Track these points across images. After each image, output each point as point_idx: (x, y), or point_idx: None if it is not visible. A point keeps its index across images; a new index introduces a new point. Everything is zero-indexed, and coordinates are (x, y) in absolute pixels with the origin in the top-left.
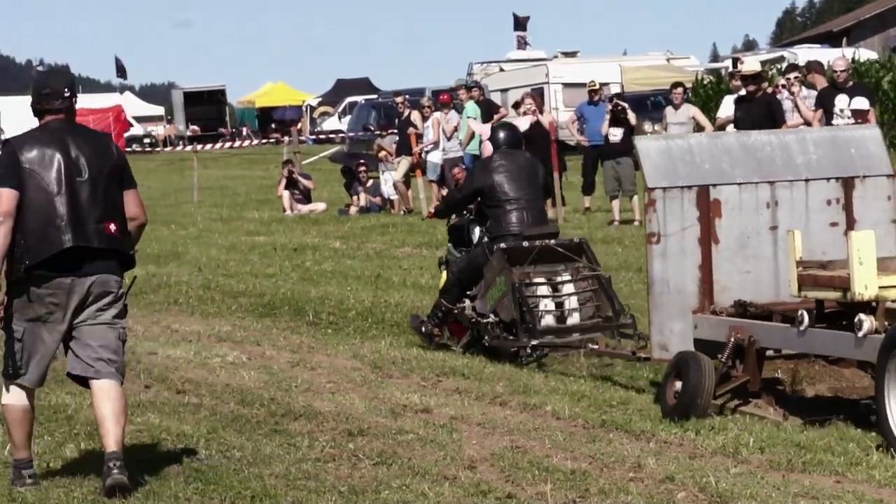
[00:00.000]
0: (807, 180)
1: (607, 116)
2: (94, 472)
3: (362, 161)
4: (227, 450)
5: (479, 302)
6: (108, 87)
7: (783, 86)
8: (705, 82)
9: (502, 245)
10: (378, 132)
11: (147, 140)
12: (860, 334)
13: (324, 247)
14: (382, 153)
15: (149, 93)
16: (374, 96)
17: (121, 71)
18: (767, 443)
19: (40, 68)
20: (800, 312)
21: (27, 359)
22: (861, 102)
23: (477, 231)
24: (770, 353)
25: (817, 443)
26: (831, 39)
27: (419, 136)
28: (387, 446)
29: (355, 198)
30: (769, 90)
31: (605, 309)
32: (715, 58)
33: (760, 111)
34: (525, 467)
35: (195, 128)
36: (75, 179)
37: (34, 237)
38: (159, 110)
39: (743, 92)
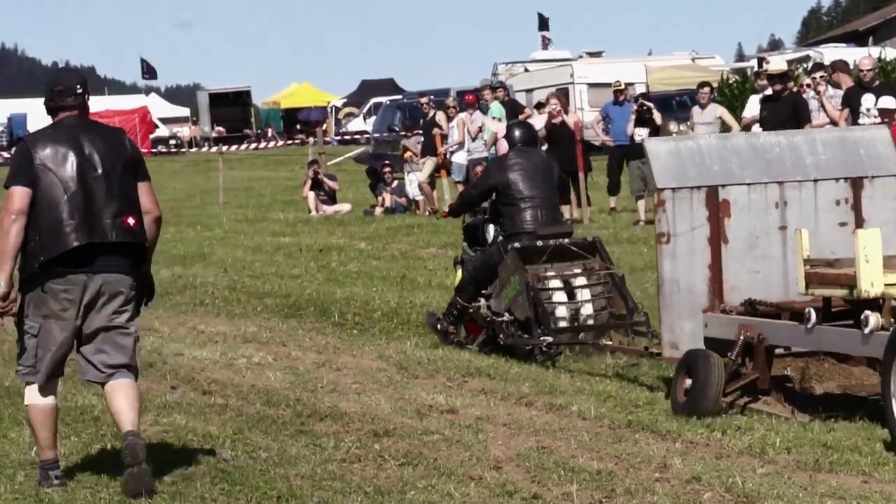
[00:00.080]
0: (816, 180)
1: (633, 116)
2: (120, 474)
3: (387, 162)
4: (252, 450)
5: (493, 301)
6: (133, 89)
7: (808, 85)
8: (731, 82)
9: (517, 244)
10: (403, 133)
11: (172, 141)
12: (866, 331)
13: (349, 247)
14: (407, 154)
15: (174, 94)
16: (399, 97)
17: (147, 72)
18: (794, 443)
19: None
20: (807, 310)
21: (42, 355)
22: (888, 101)
23: (491, 230)
24: (781, 351)
25: (844, 443)
26: (857, 38)
27: (444, 137)
28: (412, 447)
29: (380, 198)
30: (794, 89)
31: (619, 307)
32: (740, 57)
33: (786, 110)
34: (551, 468)
35: (220, 129)
36: (89, 175)
37: (48, 234)
38: (185, 112)
39: (769, 91)
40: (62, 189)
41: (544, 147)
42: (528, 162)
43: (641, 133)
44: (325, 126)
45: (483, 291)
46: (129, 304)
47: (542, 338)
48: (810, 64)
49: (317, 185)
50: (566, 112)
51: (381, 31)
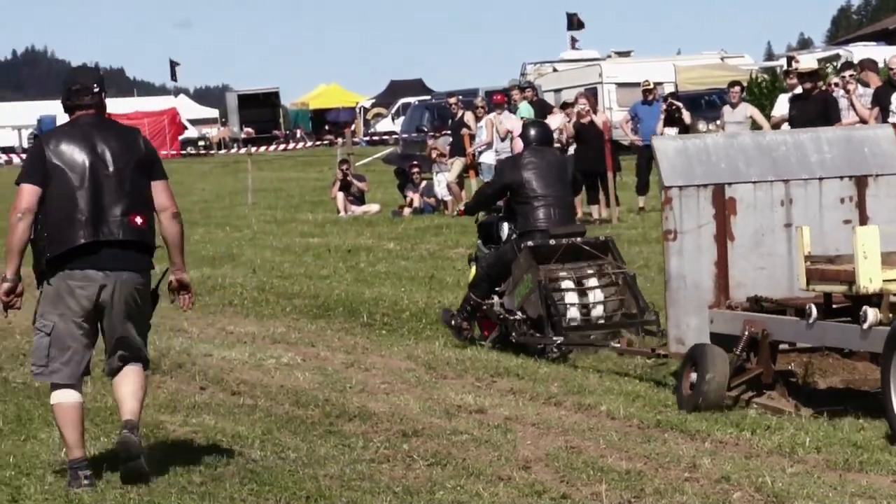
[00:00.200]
0: (821, 179)
1: (662, 116)
2: (152, 474)
3: (416, 162)
4: (281, 451)
5: (506, 298)
6: (163, 90)
7: (836, 84)
8: (760, 81)
9: (530, 243)
10: (431, 133)
11: (201, 143)
12: (865, 326)
13: (378, 248)
14: (436, 154)
15: (203, 95)
16: (428, 97)
17: (175, 73)
18: (824, 442)
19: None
20: (808, 306)
21: (55, 355)
22: None
23: (506, 228)
24: (786, 346)
25: (874, 442)
26: (887, 37)
27: (472, 137)
28: (441, 447)
29: (409, 199)
30: (824, 88)
31: (630, 306)
32: (770, 56)
33: (816, 109)
34: (580, 467)
35: (249, 130)
36: (101, 173)
37: (56, 230)
38: (214, 113)
39: (799, 90)
40: (72, 186)
41: (572, 147)
42: (542, 161)
43: (671, 132)
44: (353, 127)
45: (497, 289)
46: (144, 301)
47: (553, 338)
48: (840, 63)
49: (345, 187)
50: (595, 112)
51: (410, 31)
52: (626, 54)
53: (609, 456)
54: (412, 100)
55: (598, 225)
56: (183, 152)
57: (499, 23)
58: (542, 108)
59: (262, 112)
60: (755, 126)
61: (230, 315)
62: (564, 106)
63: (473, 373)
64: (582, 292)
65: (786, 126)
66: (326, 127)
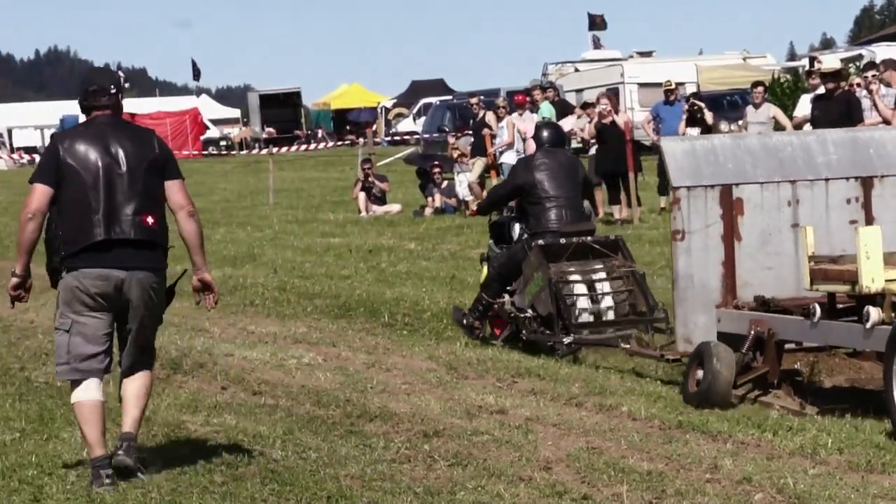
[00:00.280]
0: (827, 179)
1: (684, 116)
2: (173, 474)
3: (437, 162)
4: (302, 451)
5: (517, 297)
6: (185, 90)
7: (859, 84)
8: (782, 81)
9: (540, 242)
10: (453, 133)
11: (223, 143)
12: (868, 325)
13: (399, 248)
14: (457, 154)
15: (225, 95)
16: (449, 97)
17: (195, 74)
18: (846, 443)
19: (120, 73)
20: (812, 306)
21: (75, 352)
22: None
23: (517, 228)
24: (793, 346)
25: None
26: None
27: (494, 138)
28: (462, 447)
29: (430, 199)
30: (846, 88)
31: (640, 304)
32: (792, 56)
33: (839, 109)
34: (601, 468)
35: (271, 130)
36: (114, 172)
37: (71, 229)
38: (235, 113)
39: (821, 90)
40: (86, 185)
41: (594, 147)
42: (554, 162)
43: (693, 133)
44: (374, 127)
45: (508, 288)
46: (158, 300)
47: (562, 336)
48: (862, 63)
49: (367, 189)
50: (616, 112)
51: (431, 31)
52: (647, 54)
53: (630, 457)
54: (434, 100)
55: (620, 225)
56: (205, 152)
57: (520, 23)
58: (564, 109)
59: (283, 112)
60: (778, 127)
61: (251, 315)
62: (585, 106)
63: (494, 373)
64: (591, 290)
65: (808, 127)
66: (348, 127)
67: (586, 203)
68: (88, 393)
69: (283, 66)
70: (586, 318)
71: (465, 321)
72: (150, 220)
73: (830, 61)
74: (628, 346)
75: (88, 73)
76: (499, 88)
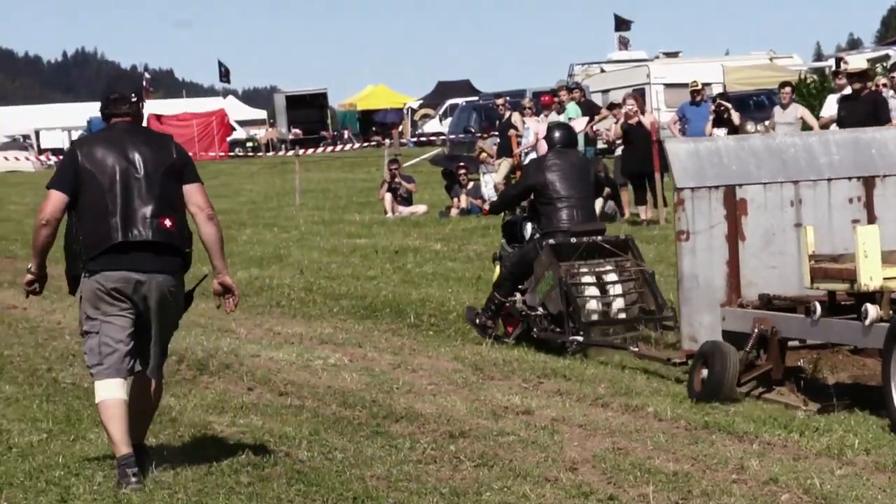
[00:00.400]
0: (829, 179)
1: (711, 117)
2: (199, 475)
3: (463, 163)
4: (328, 451)
5: (529, 295)
6: (211, 92)
7: (885, 85)
8: (808, 82)
9: (551, 241)
10: (479, 134)
11: (249, 144)
12: (867, 323)
13: (425, 249)
14: (483, 155)
15: (251, 97)
16: (475, 98)
17: (223, 75)
18: (873, 444)
19: (147, 75)
20: (812, 304)
21: (106, 351)
22: None
23: (529, 227)
24: (796, 343)
25: None
26: None
27: (520, 138)
28: (488, 448)
29: (456, 200)
30: (873, 88)
31: (649, 303)
32: (819, 57)
33: (865, 109)
34: (627, 469)
35: (297, 131)
36: (131, 177)
37: (89, 233)
38: (262, 114)
39: (848, 90)
40: (103, 189)
41: (619, 148)
42: (566, 163)
43: (720, 133)
44: (401, 128)
45: (520, 287)
46: (177, 304)
47: (572, 335)
48: (889, 63)
49: (393, 189)
50: (642, 112)
51: (458, 32)
52: (674, 55)
53: (656, 457)
54: (460, 101)
55: (646, 226)
56: (231, 153)
57: (546, 23)
58: (590, 109)
59: (309, 113)
60: (805, 127)
61: (277, 316)
62: (612, 107)
63: (520, 374)
64: (602, 288)
65: (834, 127)
66: (374, 128)
67: (610, 203)
68: (113, 392)
69: (310, 68)
70: (596, 315)
71: (477, 320)
72: (167, 222)
73: (857, 61)
74: (637, 349)
75: (110, 80)
76: (525, 89)
